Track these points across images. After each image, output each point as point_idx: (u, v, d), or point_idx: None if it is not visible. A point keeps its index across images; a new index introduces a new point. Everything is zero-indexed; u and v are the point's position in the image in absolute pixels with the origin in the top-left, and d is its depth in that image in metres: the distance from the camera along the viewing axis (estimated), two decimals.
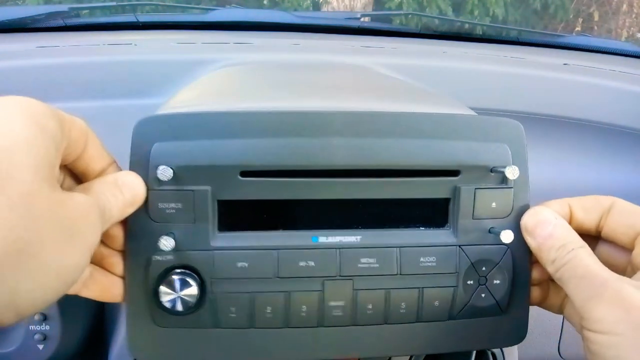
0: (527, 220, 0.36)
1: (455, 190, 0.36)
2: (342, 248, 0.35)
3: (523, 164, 0.37)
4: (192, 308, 0.34)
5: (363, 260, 0.36)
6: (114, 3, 1.02)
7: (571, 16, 4.66)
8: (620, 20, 4.87)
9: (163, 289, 0.33)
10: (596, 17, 4.73)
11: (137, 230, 0.34)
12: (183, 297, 0.33)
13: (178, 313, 0.34)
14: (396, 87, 0.57)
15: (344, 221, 0.36)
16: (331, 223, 0.36)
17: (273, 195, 0.34)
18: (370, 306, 0.36)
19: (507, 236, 0.36)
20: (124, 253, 0.34)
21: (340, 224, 0.36)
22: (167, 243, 0.33)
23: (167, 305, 0.34)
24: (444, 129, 0.36)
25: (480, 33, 1.03)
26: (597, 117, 0.75)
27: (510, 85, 0.76)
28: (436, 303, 0.37)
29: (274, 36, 0.86)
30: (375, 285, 0.36)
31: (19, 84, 0.66)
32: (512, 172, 0.35)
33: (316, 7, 4.16)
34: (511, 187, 0.37)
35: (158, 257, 0.34)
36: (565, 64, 0.83)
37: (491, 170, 0.36)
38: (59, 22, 0.81)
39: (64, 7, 0.85)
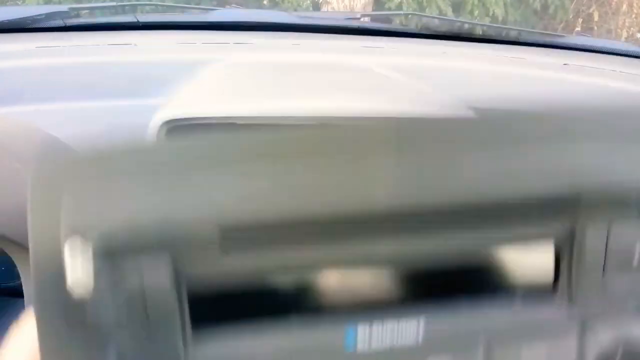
0: None
1: (573, 232, 0.21)
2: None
3: None
4: None
5: None
6: (114, 3, 1.02)
7: (571, 16, 4.65)
8: (620, 20, 4.86)
9: None
10: (596, 17, 4.73)
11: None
12: None
13: None
14: (394, 87, 0.56)
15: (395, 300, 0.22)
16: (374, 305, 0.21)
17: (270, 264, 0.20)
18: None
19: None
20: None
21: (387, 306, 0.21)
22: None
23: None
24: (543, 127, 0.22)
25: (480, 33, 1.02)
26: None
27: (510, 85, 0.76)
28: None
29: (274, 36, 0.86)
30: None
31: (19, 84, 0.66)
32: None
33: (316, 7, 4.17)
34: None
35: None
36: (565, 64, 0.83)
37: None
38: (59, 22, 0.81)
39: (64, 7, 0.85)
